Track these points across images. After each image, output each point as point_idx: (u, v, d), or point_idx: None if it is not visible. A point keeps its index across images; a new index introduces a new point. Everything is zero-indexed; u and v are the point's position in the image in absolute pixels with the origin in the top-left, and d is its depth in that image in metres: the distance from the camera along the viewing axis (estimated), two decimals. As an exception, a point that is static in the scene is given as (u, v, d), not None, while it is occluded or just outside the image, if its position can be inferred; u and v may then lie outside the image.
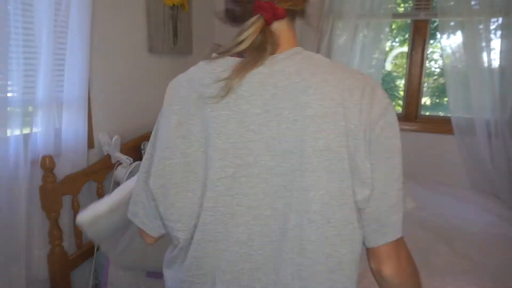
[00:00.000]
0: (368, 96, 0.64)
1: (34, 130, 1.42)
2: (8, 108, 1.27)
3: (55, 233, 1.46)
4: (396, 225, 0.67)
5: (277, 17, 0.65)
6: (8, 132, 1.29)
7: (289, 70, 0.65)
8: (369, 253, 0.71)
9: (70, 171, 1.55)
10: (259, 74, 0.65)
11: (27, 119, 1.40)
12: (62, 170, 1.52)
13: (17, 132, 1.33)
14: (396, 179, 0.65)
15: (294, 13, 0.68)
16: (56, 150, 1.51)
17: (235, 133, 0.65)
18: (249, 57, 0.65)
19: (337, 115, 0.62)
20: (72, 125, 1.57)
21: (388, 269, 0.68)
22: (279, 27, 0.67)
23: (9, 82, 1.27)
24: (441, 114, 2.56)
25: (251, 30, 0.63)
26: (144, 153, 1.42)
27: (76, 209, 1.57)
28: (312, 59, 0.67)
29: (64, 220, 1.53)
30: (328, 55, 2.57)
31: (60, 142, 1.54)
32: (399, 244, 0.69)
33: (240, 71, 0.64)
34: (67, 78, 1.52)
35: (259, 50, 0.64)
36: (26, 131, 1.38)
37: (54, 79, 1.46)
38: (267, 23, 0.64)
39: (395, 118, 0.66)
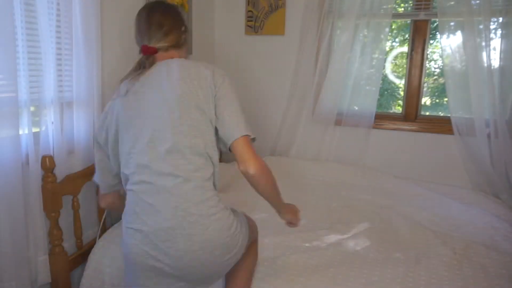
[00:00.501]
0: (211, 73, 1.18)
1: (43, 129, 1.45)
2: (18, 108, 1.29)
3: (55, 233, 1.46)
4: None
5: (151, 52, 1.21)
6: (20, 131, 1.32)
7: (159, 69, 1.19)
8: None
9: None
10: (143, 75, 1.20)
11: (36, 119, 1.43)
12: (72, 169, 1.58)
13: (26, 131, 1.36)
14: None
15: (168, 46, 1.23)
16: (69, 148, 1.58)
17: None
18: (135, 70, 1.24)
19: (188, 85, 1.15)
20: (80, 125, 1.62)
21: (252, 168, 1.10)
22: (160, 53, 1.23)
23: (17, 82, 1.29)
24: (441, 114, 2.56)
25: (137, 59, 1.24)
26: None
27: (76, 209, 1.57)
28: (172, 62, 1.20)
29: (64, 220, 1.53)
30: (328, 55, 2.58)
31: (72, 141, 1.60)
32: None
33: (132, 78, 1.21)
34: (75, 78, 1.57)
35: (141, 65, 1.23)
36: (35, 130, 1.42)
37: (61, 79, 1.52)
38: (146, 55, 1.22)
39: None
